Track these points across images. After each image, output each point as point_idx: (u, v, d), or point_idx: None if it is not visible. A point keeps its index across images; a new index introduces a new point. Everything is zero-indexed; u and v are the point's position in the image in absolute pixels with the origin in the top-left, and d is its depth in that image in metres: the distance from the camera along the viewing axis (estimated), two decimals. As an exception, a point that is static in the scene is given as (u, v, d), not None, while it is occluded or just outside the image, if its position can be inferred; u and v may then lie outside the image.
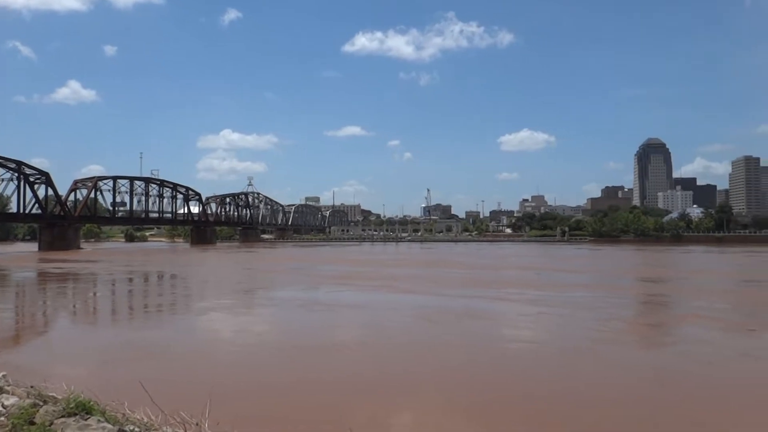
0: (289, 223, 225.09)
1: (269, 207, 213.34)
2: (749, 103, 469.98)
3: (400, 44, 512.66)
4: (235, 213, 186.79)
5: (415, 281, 43.57)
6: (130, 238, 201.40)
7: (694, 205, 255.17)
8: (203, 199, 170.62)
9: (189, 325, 24.37)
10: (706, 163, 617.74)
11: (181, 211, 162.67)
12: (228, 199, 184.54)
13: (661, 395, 12.92)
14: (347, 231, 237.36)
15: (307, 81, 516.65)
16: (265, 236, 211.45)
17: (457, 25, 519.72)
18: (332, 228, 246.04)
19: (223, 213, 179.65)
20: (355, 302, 31.35)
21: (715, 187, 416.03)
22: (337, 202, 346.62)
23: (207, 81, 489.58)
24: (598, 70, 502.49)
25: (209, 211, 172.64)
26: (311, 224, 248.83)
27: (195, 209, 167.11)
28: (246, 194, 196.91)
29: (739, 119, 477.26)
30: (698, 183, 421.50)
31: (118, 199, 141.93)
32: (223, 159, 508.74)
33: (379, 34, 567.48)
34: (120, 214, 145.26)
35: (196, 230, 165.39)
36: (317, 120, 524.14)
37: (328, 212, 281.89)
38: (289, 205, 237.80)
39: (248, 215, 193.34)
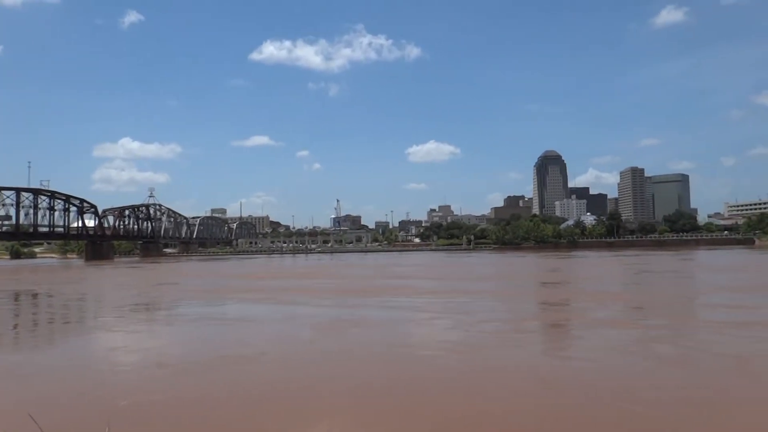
0: (194, 236, 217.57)
1: (172, 219, 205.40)
2: (635, 118, 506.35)
3: (309, 54, 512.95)
4: (135, 226, 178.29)
5: (317, 292, 42.95)
6: (15, 255, 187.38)
7: (588, 213, 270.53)
8: (99, 211, 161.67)
9: (82, 347, 22.55)
10: (597, 174, 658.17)
11: (75, 225, 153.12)
12: (127, 212, 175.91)
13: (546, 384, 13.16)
14: (255, 243, 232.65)
15: (213, 88, 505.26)
16: (168, 250, 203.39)
17: (366, 37, 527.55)
18: (239, 241, 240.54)
19: (121, 226, 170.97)
20: (254, 316, 30.35)
21: (605, 195, 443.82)
22: (245, 214, 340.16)
23: (104, 86, 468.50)
24: (501, 85, 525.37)
25: (106, 225, 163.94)
26: (217, 237, 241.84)
27: (90, 223, 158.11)
28: (147, 206, 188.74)
29: (627, 133, 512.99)
30: (591, 192, 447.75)
31: (2, 213, 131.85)
32: (122, 169, 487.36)
33: (287, 43, 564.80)
34: (5, 228, 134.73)
35: (92, 245, 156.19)
36: (223, 129, 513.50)
37: (235, 224, 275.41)
38: (193, 218, 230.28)
39: (149, 228, 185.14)
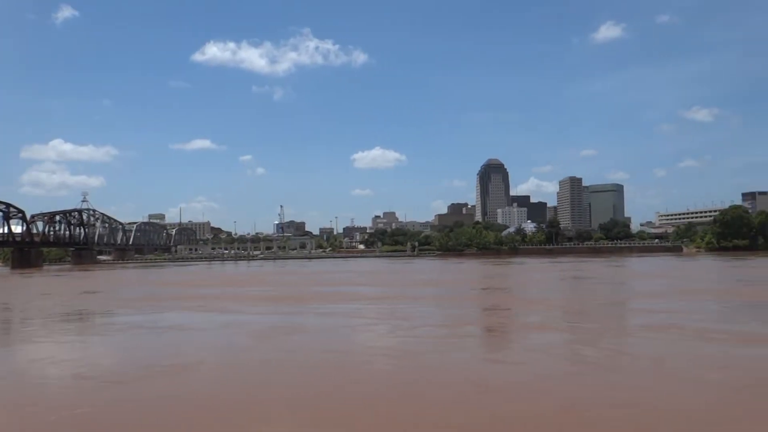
0: (130, 242, 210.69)
1: (107, 225, 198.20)
2: (575, 130, 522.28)
3: (253, 57, 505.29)
4: (67, 232, 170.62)
5: (256, 300, 42.51)
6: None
7: (529, 221, 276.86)
8: (27, 216, 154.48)
9: (2, 359, 21.58)
10: (538, 183, 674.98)
11: (0, 231, 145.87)
12: (58, 217, 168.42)
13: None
14: (195, 250, 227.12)
15: (152, 89, 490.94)
16: (103, 257, 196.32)
17: (313, 41, 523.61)
18: (179, 247, 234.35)
19: (52, 232, 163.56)
20: (188, 324, 29.77)
21: (545, 204, 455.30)
22: (185, 220, 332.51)
23: (34, 84, 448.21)
24: (446, 93, 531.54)
25: (35, 231, 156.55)
26: (155, 243, 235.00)
27: (17, 228, 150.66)
28: (80, 211, 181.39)
29: (566, 143, 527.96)
30: (532, 200, 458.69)
31: None
32: (53, 172, 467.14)
33: (231, 45, 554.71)
34: None
35: (19, 252, 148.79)
36: (163, 132, 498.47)
37: (174, 230, 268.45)
38: (130, 223, 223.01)
39: (82, 235, 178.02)
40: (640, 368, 16.82)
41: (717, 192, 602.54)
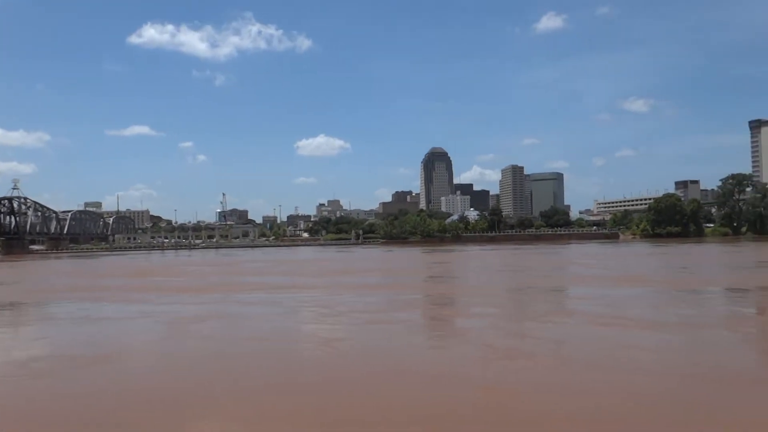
0: (65, 231, 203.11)
1: (39, 214, 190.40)
2: (517, 118, 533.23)
3: (193, 40, 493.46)
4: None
5: (193, 290, 42.01)
6: None
7: (472, 209, 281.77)
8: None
9: None
10: (481, 171, 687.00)
11: None
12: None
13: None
14: (134, 239, 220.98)
15: (86, 73, 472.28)
16: (35, 247, 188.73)
17: (255, 26, 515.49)
18: (116, 236, 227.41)
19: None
20: (109, 314, 29.27)
21: (488, 192, 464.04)
22: (123, 208, 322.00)
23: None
24: (391, 81, 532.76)
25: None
26: (91, 232, 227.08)
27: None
28: (10, 199, 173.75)
29: (509, 132, 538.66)
30: (475, 188, 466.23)
31: None
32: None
33: (170, 27, 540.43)
34: None
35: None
36: (98, 117, 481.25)
37: (111, 219, 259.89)
38: (64, 212, 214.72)
39: (12, 223, 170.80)
40: (540, 350, 17.70)
41: (652, 180, 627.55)
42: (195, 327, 24.19)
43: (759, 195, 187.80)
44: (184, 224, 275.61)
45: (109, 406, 13.12)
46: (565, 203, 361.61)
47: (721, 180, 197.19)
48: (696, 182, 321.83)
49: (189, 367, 16.76)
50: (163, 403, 13.30)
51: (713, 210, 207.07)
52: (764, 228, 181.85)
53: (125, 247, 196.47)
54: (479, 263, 71.45)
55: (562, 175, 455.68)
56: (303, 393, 13.70)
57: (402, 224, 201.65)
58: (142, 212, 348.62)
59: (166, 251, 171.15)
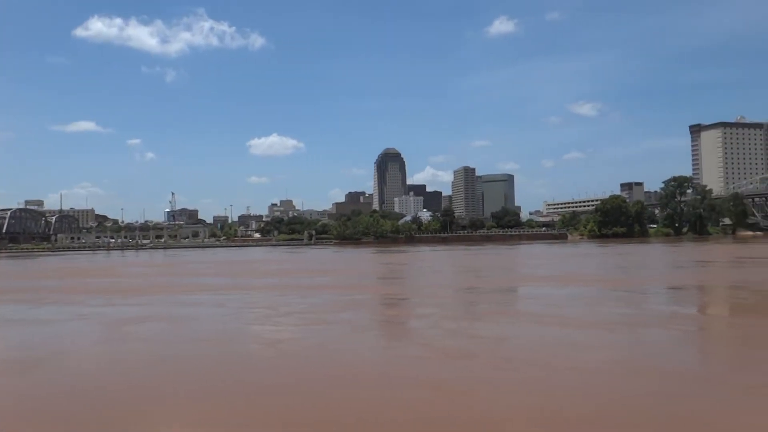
0: (3, 231, 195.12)
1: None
2: (469, 120, 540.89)
3: (142, 35, 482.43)
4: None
5: (130, 291, 40.84)
6: None
7: (425, 209, 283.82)
8: None
9: None
10: (434, 172, 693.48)
11: None
12: None
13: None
14: (78, 239, 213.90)
15: (28, 66, 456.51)
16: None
17: (208, 22, 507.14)
18: (60, 236, 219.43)
19: None
20: (41, 317, 28.16)
21: (441, 193, 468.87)
22: (67, 207, 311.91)
23: None
24: (345, 81, 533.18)
25: None
26: (33, 232, 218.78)
27: None
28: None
29: (461, 134, 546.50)
30: (428, 189, 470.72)
31: None
32: None
33: (118, 21, 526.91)
34: None
35: None
36: (40, 112, 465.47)
37: (54, 218, 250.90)
38: (3, 210, 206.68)
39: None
40: (480, 348, 17.85)
41: (599, 182, 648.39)
42: (134, 329, 23.53)
43: (699, 197, 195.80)
44: (132, 224, 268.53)
45: (44, 411, 12.62)
46: (516, 204, 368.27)
47: (663, 182, 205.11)
48: (640, 184, 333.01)
49: (126, 371, 16.24)
50: (104, 407, 12.83)
51: (656, 211, 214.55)
52: (704, 228, 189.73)
53: (69, 248, 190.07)
54: (430, 264, 71.93)
55: (512, 176, 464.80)
56: (248, 395, 13.46)
57: (355, 225, 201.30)
58: (87, 211, 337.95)
59: (111, 252, 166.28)
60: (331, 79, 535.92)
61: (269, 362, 17.07)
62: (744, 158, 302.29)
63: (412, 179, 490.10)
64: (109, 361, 17.77)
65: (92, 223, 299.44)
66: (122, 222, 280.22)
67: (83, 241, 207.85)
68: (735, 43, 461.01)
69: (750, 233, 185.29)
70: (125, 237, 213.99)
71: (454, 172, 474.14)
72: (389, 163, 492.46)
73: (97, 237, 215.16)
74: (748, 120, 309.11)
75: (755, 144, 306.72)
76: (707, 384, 14.03)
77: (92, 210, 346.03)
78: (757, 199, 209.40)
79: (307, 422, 11.54)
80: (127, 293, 39.26)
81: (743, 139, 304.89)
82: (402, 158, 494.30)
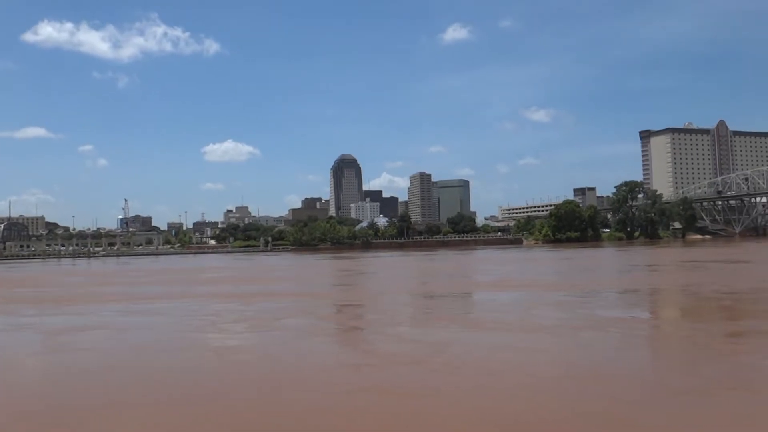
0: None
1: None
2: (424, 126, 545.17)
3: (94, 40, 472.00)
4: None
5: (75, 300, 39.82)
6: None
7: (381, 215, 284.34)
8: None
9: None
10: (390, 178, 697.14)
11: None
12: None
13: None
14: (28, 247, 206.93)
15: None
16: None
17: (161, 27, 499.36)
18: (8, 244, 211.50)
19: None
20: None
21: (397, 198, 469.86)
22: (15, 214, 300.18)
23: None
24: (301, 87, 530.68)
25: None
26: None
27: None
28: None
29: (416, 140, 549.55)
30: (384, 195, 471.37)
31: None
32: None
33: (69, 25, 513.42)
34: None
35: None
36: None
37: (2, 226, 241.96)
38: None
39: None
40: (424, 354, 18.10)
41: (553, 187, 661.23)
42: (74, 338, 23.03)
43: (649, 202, 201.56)
44: (83, 231, 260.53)
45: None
46: (472, 209, 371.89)
47: (615, 187, 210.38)
48: (593, 189, 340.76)
49: (67, 382, 15.88)
50: (43, 418, 12.52)
51: (609, 216, 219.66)
52: (655, 232, 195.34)
53: (17, 256, 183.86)
54: (384, 270, 72.17)
55: (468, 182, 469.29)
56: (190, 403, 13.35)
57: (312, 231, 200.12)
58: (37, 219, 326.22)
59: (62, 260, 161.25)
60: (286, 84, 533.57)
61: (214, 369, 16.93)
62: (692, 163, 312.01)
63: (369, 185, 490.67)
64: (47, 372, 17.37)
65: (42, 231, 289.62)
66: (74, 229, 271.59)
67: (33, 249, 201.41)
68: (683, 50, 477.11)
69: (699, 237, 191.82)
70: (77, 245, 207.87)
71: (410, 177, 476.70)
72: (345, 169, 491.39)
73: (48, 245, 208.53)
74: (695, 126, 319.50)
75: (703, 149, 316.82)
76: (644, 386, 14.38)
77: (43, 217, 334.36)
78: (705, 204, 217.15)
79: (249, 428, 11.54)
80: (73, 302, 38.28)
81: (691, 144, 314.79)
82: (358, 164, 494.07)
